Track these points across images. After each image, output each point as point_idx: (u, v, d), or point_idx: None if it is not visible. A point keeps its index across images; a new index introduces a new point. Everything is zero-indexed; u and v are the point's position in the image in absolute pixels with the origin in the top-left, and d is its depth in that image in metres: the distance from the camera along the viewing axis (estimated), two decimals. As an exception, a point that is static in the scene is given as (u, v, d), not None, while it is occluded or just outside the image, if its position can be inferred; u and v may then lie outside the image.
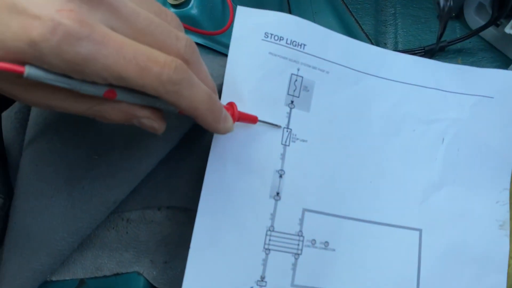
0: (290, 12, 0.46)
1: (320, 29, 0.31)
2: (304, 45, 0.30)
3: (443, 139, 0.32)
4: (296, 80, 0.29)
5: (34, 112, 0.30)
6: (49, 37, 0.16)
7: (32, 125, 0.29)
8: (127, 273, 0.31)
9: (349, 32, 0.45)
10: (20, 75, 0.17)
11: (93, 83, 0.18)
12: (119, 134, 0.28)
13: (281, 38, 0.29)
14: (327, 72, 0.30)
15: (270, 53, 0.29)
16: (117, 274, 0.31)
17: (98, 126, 0.28)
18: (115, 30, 0.18)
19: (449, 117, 0.33)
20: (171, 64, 0.19)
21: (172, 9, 0.34)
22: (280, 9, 0.45)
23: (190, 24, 0.33)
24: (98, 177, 0.28)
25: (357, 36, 0.45)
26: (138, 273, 0.31)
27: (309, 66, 0.30)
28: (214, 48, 0.34)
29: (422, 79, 0.33)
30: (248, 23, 0.29)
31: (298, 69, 0.30)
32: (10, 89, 0.19)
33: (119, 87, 0.19)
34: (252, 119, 0.27)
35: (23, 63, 0.17)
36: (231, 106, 0.26)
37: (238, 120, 0.26)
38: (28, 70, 0.17)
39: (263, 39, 0.29)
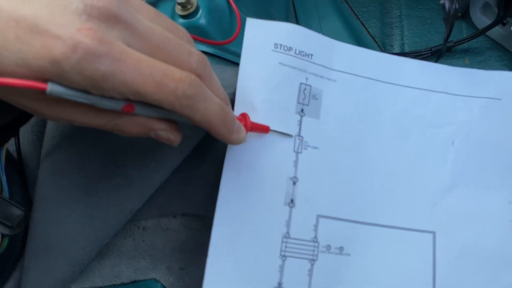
0: (296, 16, 0.47)
1: (325, 39, 0.32)
2: (311, 55, 0.31)
3: (453, 141, 0.32)
4: (305, 89, 0.30)
5: (50, 125, 0.31)
6: (70, 55, 0.17)
7: (49, 138, 0.30)
8: (145, 280, 0.32)
9: (355, 35, 0.46)
10: (42, 92, 0.18)
11: (112, 98, 0.19)
12: (134, 144, 0.29)
13: (290, 49, 0.30)
14: (334, 81, 0.31)
15: (280, 63, 0.30)
16: (134, 282, 0.32)
17: (113, 137, 0.29)
18: (131, 46, 0.19)
19: (458, 120, 0.33)
20: (185, 79, 0.20)
21: (181, 20, 0.35)
22: (286, 14, 0.46)
23: (199, 34, 0.34)
24: (115, 187, 0.29)
25: (363, 39, 0.45)
26: (155, 280, 0.32)
27: (317, 75, 0.31)
28: (223, 56, 0.35)
29: (430, 83, 0.33)
30: (258, 35, 0.30)
31: (307, 78, 0.30)
32: (33, 105, 0.20)
33: (137, 101, 0.20)
34: (264, 129, 0.28)
35: (45, 80, 0.18)
36: (243, 117, 0.27)
37: (250, 130, 0.27)
38: (50, 87, 0.18)
39: (273, 50, 0.30)
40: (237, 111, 0.28)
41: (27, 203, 0.31)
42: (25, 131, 0.32)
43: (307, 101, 0.30)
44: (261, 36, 0.30)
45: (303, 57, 0.30)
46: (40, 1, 0.17)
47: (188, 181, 0.30)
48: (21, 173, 0.32)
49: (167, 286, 0.31)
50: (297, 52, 0.30)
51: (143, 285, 0.32)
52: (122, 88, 0.18)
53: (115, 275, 0.32)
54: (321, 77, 0.31)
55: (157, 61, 0.19)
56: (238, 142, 0.25)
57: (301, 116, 0.30)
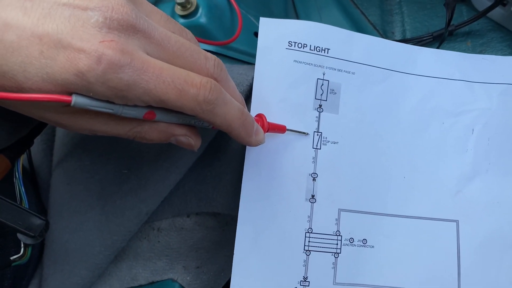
0: (295, 9, 0.48)
1: (343, 32, 0.33)
2: (328, 49, 0.32)
3: (473, 129, 0.34)
4: (322, 84, 0.32)
5: (59, 132, 0.32)
6: (95, 67, 0.18)
7: (59, 145, 0.32)
8: (162, 280, 0.34)
9: (355, 24, 0.47)
10: (66, 104, 0.19)
11: (134, 106, 0.21)
12: (146, 147, 0.31)
13: (305, 45, 0.32)
14: (353, 73, 0.33)
15: (295, 61, 0.31)
16: (152, 283, 0.34)
17: (126, 141, 0.31)
18: (150, 54, 0.20)
19: (477, 108, 0.34)
20: (206, 85, 0.21)
21: (181, 20, 0.37)
22: (285, 7, 0.47)
23: (200, 33, 0.36)
24: (130, 191, 0.31)
25: (364, 27, 0.47)
26: (173, 280, 0.34)
27: (334, 69, 0.32)
28: (227, 54, 0.37)
29: (447, 72, 0.35)
30: (271, 34, 0.31)
31: (324, 73, 0.32)
32: (56, 118, 0.21)
33: (158, 108, 0.22)
34: (281, 129, 0.30)
35: (68, 93, 0.19)
36: (260, 118, 0.28)
37: (267, 131, 0.29)
38: (74, 99, 0.19)
39: (287, 48, 0.31)
40: (254, 112, 0.30)
41: (42, 211, 0.33)
42: (35, 140, 0.34)
43: (325, 96, 0.32)
44: (275, 35, 0.31)
45: (319, 53, 0.32)
46: (60, 17, 0.19)
47: (201, 180, 0.32)
48: (33, 182, 0.33)
49: (184, 285, 0.33)
50: (313, 48, 0.32)
51: (161, 285, 0.34)
52: (145, 96, 0.20)
53: (133, 278, 0.34)
54: (340, 70, 0.32)
55: (177, 68, 0.21)
56: (257, 143, 0.27)
57: (320, 112, 0.31)
